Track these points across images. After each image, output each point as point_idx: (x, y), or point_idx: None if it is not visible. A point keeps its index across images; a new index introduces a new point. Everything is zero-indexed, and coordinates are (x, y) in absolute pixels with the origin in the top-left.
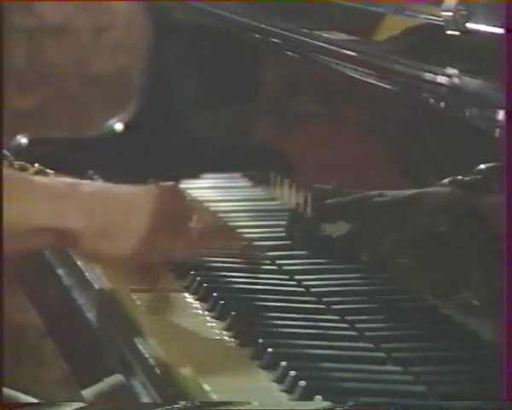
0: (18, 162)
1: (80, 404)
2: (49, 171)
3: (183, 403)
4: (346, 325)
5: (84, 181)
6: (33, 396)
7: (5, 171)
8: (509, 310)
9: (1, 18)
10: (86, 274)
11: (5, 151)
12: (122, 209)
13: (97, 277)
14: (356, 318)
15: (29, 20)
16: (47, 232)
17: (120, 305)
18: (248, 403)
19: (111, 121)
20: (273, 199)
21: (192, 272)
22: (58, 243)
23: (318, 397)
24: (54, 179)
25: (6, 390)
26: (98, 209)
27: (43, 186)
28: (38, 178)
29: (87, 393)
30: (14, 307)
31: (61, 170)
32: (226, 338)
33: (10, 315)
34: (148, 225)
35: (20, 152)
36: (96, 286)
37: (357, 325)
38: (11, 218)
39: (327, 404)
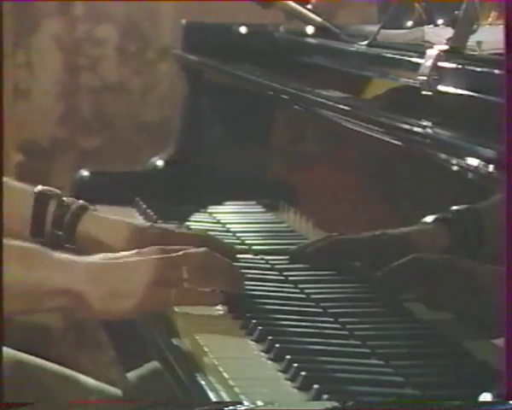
0: (67, 199)
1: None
2: (90, 207)
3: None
4: (338, 326)
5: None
6: (92, 376)
7: (24, 244)
8: (508, 311)
9: (1, 18)
10: None
11: (54, 189)
12: (124, 273)
13: None
14: (347, 319)
15: (94, 81)
16: (60, 295)
17: None
18: (271, 404)
19: (154, 159)
20: (282, 222)
21: None
22: (68, 304)
23: (316, 386)
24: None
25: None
26: (104, 275)
27: (60, 259)
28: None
29: (131, 375)
30: None
31: (114, 197)
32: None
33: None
34: (146, 284)
35: (82, 183)
36: None
37: (348, 326)
38: (29, 282)
39: (334, 404)
